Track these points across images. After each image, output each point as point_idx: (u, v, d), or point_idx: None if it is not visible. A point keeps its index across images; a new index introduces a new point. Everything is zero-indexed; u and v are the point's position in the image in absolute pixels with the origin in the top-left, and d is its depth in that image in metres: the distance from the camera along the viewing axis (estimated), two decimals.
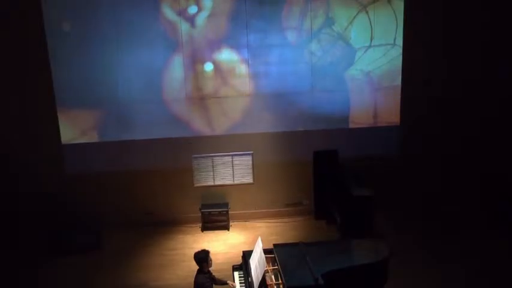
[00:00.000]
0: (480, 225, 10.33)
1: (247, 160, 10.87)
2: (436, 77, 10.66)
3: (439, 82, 10.69)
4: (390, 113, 10.77)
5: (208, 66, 10.42)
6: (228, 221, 10.75)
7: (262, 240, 7.26)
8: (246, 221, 10.96)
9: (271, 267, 7.15)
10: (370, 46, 10.46)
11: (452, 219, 10.60)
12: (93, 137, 10.53)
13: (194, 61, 10.39)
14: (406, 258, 8.91)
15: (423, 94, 10.70)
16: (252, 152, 10.84)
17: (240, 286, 7.29)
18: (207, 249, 7.33)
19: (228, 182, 10.97)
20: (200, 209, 10.73)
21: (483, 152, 11.02)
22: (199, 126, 10.66)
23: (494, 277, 8.62)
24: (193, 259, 7.24)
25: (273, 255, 7.29)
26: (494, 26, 10.52)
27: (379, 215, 10.02)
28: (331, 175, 10.58)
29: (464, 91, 10.76)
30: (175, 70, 10.38)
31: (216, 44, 10.33)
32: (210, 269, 7.24)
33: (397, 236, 9.81)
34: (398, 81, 10.60)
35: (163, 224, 10.76)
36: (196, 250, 7.34)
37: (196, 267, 7.20)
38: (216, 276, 7.37)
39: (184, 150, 10.67)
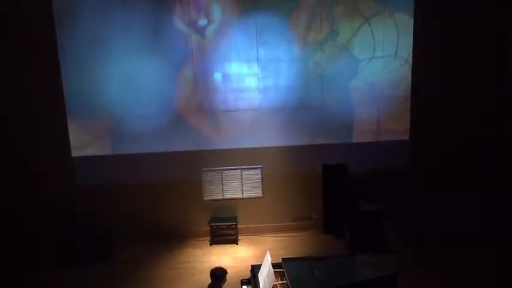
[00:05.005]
0: (492, 237, 10.28)
1: (257, 174, 10.89)
2: (446, 88, 10.65)
3: (447, 90, 10.68)
4: (397, 125, 10.75)
5: (218, 78, 10.49)
6: (236, 234, 10.74)
7: (270, 254, 7.26)
8: (254, 235, 10.95)
9: (279, 282, 7.15)
10: (372, 57, 10.54)
11: (463, 232, 10.51)
12: (103, 149, 10.58)
13: (204, 73, 10.44)
14: (416, 272, 8.83)
15: (432, 106, 10.69)
16: (261, 165, 10.87)
17: None
18: (223, 267, 7.16)
19: (237, 195, 10.99)
20: (209, 223, 10.75)
21: (493, 162, 10.96)
22: (209, 138, 10.69)
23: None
24: (202, 273, 7.24)
25: (281, 270, 7.29)
26: (503, 32, 10.56)
27: (389, 229, 10.00)
28: (339, 189, 10.58)
29: (472, 98, 10.77)
30: (185, 82, 10.44)
31: (225, 56, 10.39)
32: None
33: (407, 250, 9.75)
34: (400, 91, 10.65)
35: (172, 236, 10.75)
36: (208, 264, 7.30)
37: (206, 282, 7.12)
38: None
39: (194, 163, 10.70)
